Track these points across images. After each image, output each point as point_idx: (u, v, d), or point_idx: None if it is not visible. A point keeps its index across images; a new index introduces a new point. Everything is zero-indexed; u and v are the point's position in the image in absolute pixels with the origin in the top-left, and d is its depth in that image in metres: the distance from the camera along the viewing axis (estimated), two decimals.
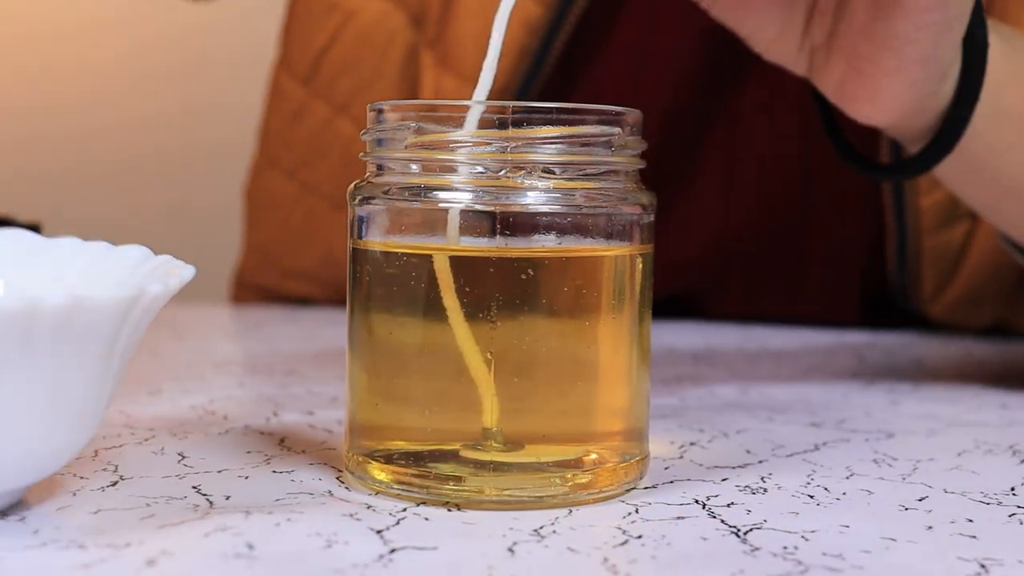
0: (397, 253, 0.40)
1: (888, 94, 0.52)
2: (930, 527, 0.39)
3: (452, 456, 0.40)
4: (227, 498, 0.40)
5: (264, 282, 0.94)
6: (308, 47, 0.87)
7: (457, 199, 0.39)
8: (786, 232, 0.85)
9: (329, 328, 0.82)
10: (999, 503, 0.41)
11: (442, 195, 0.39)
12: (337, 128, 0.87)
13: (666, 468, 0.45)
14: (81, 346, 0.35)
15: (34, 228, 0.82)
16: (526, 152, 0.39)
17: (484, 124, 0.39)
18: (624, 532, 0.37)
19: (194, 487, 0.41)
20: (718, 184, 0.84)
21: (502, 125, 0.39)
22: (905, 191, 0.78)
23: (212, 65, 1.44)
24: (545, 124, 0.39)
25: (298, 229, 0.91)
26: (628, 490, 0.42)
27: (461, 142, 0.39)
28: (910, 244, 0.80)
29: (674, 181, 0.83)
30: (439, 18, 0.82)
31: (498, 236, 0.39)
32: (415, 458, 0.40)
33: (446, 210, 0.39)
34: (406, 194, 0.40)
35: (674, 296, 0.85)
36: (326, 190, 0.89)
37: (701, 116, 0.83)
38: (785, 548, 0.36)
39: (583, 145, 0.40)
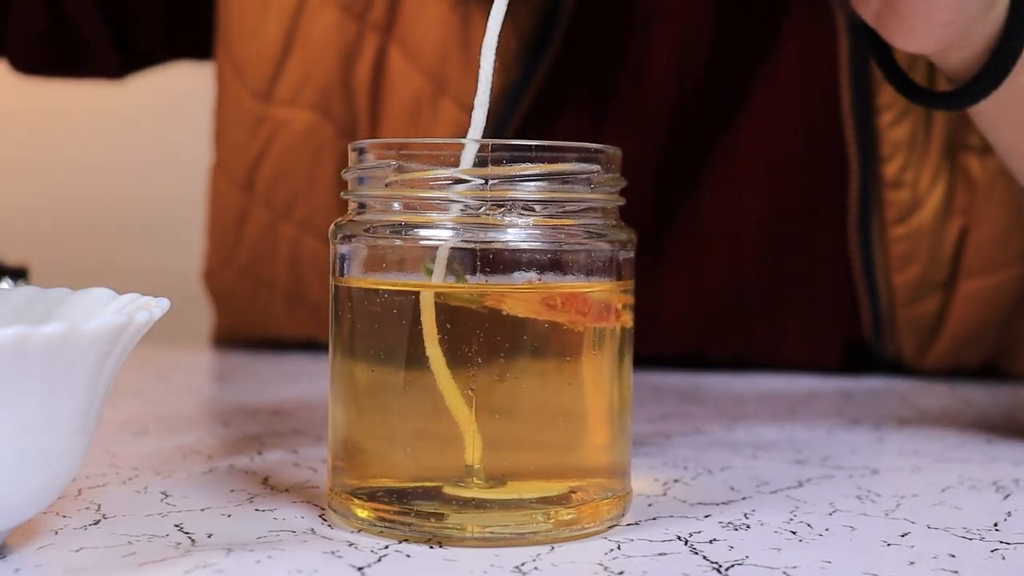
0: (378, 290, 0.40)
1: (923, 30, 0.51)
2: (912, 562, 0.39)
3: (434, 493, 0.40)
4: (209, 536, 0.40)
5: (238, 346, 0.95)
6: (243, 156, 0.86)
7: (438, 236, 0.39)
8: (761, 305, 0.84)
9: (313, 367, 0.82)
10: (981, 538, 0.42)
11: (423, 232, 0.39)
12: (281, 231, 0.87)
13: (649, 505, 0.45)
14: (70, 378, 0.35)
15: (21, 272, 0.82)
16: (506, 189, 0.39)
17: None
18: (606, 569, 0.37)
19: (176, 525, 0.41)
20: (687, 260, 0.83)
21: (482, 163, 0.39)
22: (876, 269, 0.78)
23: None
24: (524, 161, 0.39)
25: (257, 322, 0.92)
26: (611, 527, 0.42)
27: (441, 180, 0.39)
28: (884, 316, 0.80)
29: (642, 254, 0.83)
30: (369, 129, 0.82)
31: (479, 273, 0.39)
32: (397, 495, 0.40)
33: (428, 247, 0.39)
34: (387, 232, 0.40)
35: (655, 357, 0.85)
36: (279, 286, 0.89)
37: (667, 190, 0.83)
38: None
39: (563, 182, 0.40)
